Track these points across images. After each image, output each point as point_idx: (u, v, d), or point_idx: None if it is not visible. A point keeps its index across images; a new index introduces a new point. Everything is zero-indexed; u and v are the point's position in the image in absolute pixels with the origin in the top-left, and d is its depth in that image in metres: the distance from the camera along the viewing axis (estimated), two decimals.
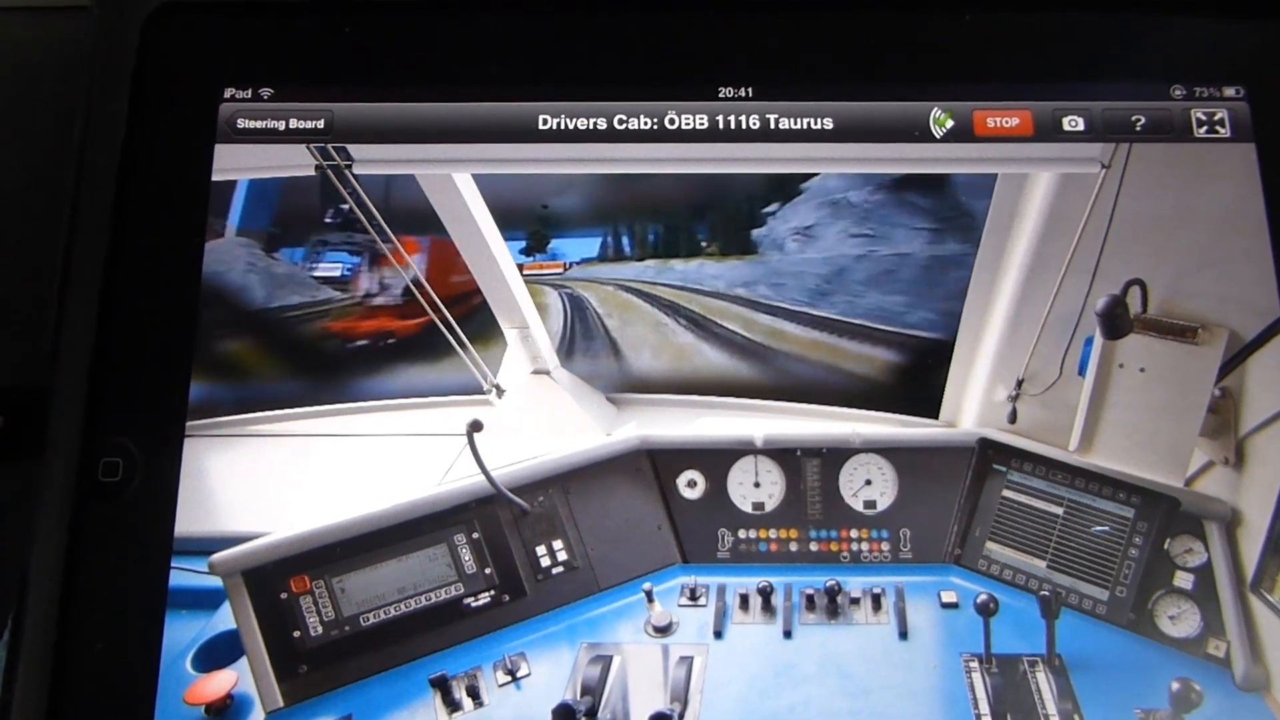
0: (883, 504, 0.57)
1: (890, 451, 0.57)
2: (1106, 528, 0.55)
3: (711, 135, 0.56)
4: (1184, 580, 0.53)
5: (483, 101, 0.56)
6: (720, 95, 0.56)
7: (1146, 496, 0.55)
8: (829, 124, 0.56)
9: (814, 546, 0.56)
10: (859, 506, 0.57)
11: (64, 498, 0.50)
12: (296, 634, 0.53)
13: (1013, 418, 0.58)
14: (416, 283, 0.58)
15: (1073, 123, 0.56)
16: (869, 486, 0.57)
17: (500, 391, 0.60)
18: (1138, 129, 0.56)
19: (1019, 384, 0.59)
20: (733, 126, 0.56)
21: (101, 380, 0.52)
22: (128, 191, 0.54)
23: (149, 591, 0.50)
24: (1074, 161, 0.56)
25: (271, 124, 0.56)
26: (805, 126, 0.56)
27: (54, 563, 0.49)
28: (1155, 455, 0.55)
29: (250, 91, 0.57)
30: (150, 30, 0.56)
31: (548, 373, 0.60)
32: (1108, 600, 0.54)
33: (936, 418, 0.58)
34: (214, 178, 0.55)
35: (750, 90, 0.56)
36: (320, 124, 0.56)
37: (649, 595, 0.55)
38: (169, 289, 0.54)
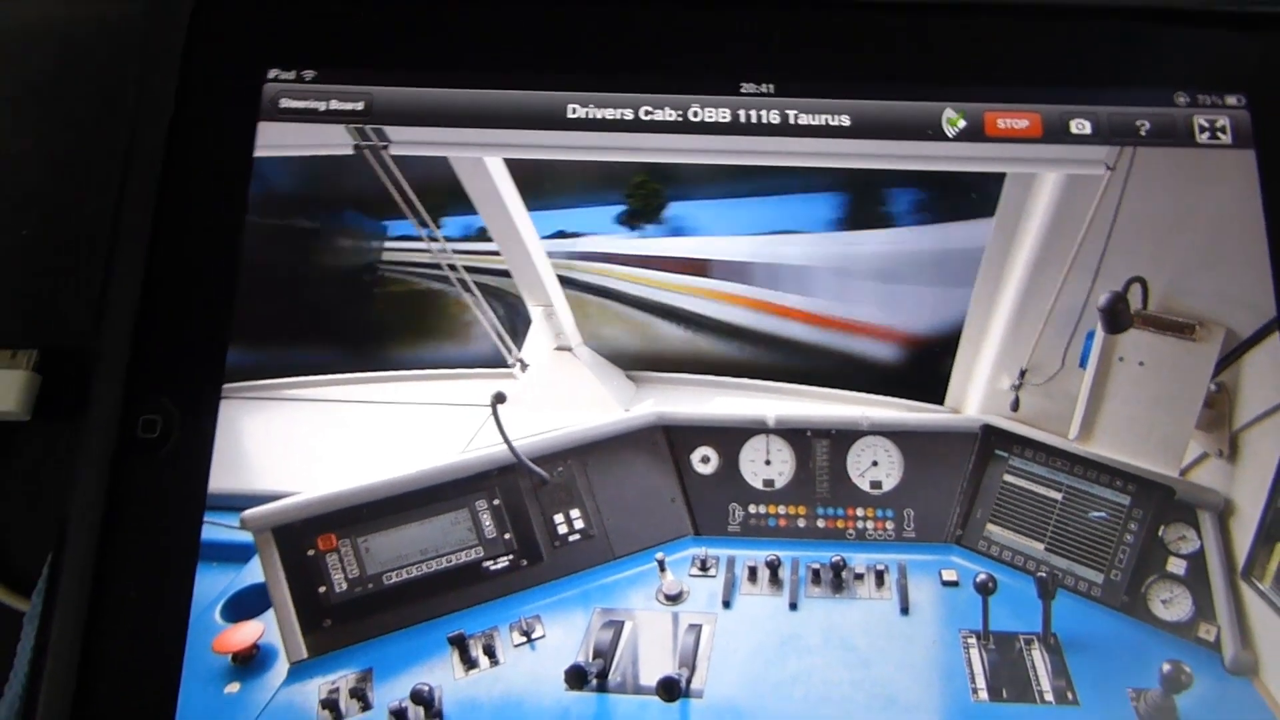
0: (888, 485, 0.57)
1: (897, 435, 0.58)
2: (1103, 514, 0.56)
3: (733, 129, 0.57)
4: (1177, 566, 0.53)
5: (515, 90, 0.58)
6: (742, 90, 0.58)
7: (1142, 485, 0.55)
8: (846, 121, 0.57)
9: (821, 523, 0.56)
10: (865, 486, 0.57)
11: (104, 452, 0.52)
12: (322, 589, 0.54)
13: (1015, 406, 0.59)
14: (450, 263, 0.60)
15: (1080, 126, 0.57)
16: (875, 468, 0.58)
17: (524, 366, 0.61)
18: (1142, 133, 0.57)
19: (1022, 374, 0.59)
20: (754, 121, 0.57)
21: (144, 342, 0.53)
22: (174, 164, 0.56)
23: (182, 544, 0.51)
24: (1080, 163, 0.57)
25: (313, 104, 0.58)
26: (823, 123, 0.57)
27: (93, 514, 0.51)
28: (1152, 446, 0.55)
29: (294, 73, 0.58)
30: (199, 12, 0.58)
31: (570, 349, 0.61)
32: (1103, 583, 0.54)
33: (942, 404, 0.58)
34: (256, 154, 0.57)
35: (771, 86, 0.58)
36: (360, 106, 0.58)
37: (661, 565, 0.55)
38: (211, 258, 0.55)
